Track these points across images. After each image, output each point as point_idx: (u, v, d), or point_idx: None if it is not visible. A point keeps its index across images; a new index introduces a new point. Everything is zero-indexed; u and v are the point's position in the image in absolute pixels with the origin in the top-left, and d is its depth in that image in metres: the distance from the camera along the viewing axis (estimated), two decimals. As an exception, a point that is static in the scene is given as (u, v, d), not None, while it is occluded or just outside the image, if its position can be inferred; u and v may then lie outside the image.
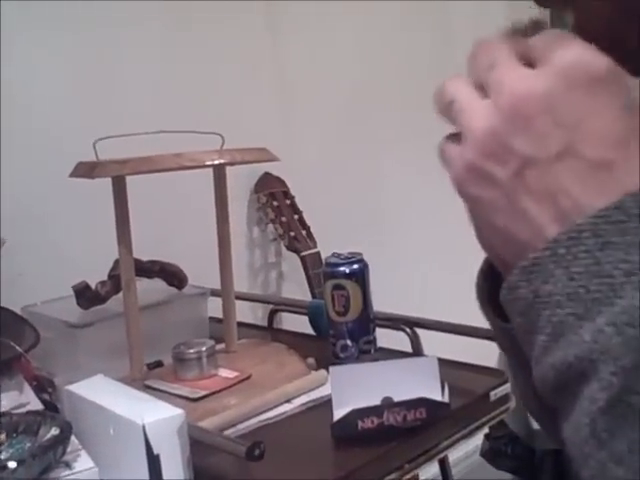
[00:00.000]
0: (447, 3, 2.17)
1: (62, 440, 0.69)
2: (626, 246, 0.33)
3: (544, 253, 0.35)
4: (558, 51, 0.36)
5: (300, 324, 1.36)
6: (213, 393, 0.98)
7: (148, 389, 0.98)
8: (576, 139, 0.35)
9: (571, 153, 0.35)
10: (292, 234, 1.64)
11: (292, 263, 1.72)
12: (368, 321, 1.12)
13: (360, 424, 0.86)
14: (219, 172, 1.10)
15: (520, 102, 0.36)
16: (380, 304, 1.15)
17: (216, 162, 1.02)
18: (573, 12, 0.46)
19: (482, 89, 0.39)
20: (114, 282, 1.15)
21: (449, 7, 2.19)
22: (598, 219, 0.34)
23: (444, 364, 0.95)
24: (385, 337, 1.18)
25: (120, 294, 1.07)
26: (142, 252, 1.12)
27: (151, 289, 1.21)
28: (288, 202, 1.67)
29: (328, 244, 1.44)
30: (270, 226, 1.70)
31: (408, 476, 0.87)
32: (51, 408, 0.86)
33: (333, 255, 1.14)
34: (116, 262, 1.11)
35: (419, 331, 1.18)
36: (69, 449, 0.70)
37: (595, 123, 0.35)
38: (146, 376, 1.04)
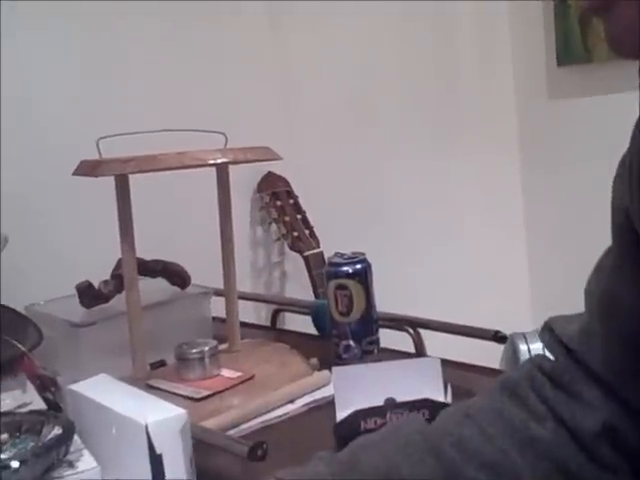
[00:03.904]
0: (448, 2, 2.16)
1: (65, 439, 0.69)
2: None
3: None
4: None
5: (303, 324, 1.36)
6: (216, 393, 0.98)
7: (151, 389, 0.98)
8: None
9: None
10: (295, 234, 1.63)
11: (295, 263, 1.72)
12: (371, 322, 1.12)
13: (363, 425, 0.85)
14: (222, 171, 1.10)
15: None
16: (383, 304, 1.15)
17: (219, 161, 1.02)
18: (604, 20, 0.46)
19: None
20: (117, 281, 1.14)
21: (451, 6, 2.18)
22: None
23: (447, 365, 0.94)
24: (388, 338, 1.17)
25: (123, 293, 1.06)
26: (145, 251, 1.12)
27: (154, 288, 1.20)
28: (291, 201, 1.67)
29: (331, 244, 1.43)
30: (273, 226, 1.69)
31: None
32: (54, 407, 0.86)
33: (336, 255, 1.14)
34: (119, 261, 1.11)
35: (422, 332, 1.17)
36: (72, 448, 0.70)
37: None
38: (149, 376, 1.04)
